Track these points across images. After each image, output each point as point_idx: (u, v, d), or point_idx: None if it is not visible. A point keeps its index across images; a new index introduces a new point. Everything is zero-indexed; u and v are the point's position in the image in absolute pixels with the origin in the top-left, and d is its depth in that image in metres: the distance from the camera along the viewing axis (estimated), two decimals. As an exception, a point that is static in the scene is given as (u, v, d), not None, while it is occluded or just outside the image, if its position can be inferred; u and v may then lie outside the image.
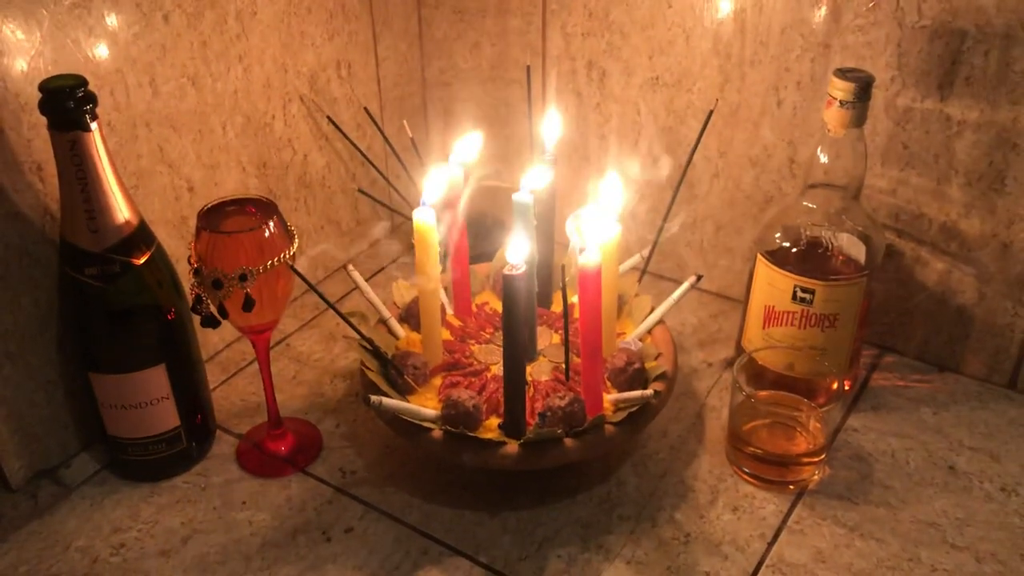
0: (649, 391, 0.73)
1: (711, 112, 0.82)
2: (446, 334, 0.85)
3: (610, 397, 0.77)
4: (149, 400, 0.76)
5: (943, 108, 0.81)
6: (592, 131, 1.02)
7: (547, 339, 0.85)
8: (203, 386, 0.82)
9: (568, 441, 0.72)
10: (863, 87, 0.75)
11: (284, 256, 0.72)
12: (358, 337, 0.78)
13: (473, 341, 0.85)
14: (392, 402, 0.72)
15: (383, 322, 0.85)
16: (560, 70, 1.00)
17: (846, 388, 0.88)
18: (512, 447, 0.72)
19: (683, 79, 0.93)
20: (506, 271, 0.67)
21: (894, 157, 0.86)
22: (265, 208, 0.73)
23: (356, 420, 0.87)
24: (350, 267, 0.84)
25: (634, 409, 0.74)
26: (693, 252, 1.02)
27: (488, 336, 0.86)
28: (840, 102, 0.75)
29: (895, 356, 0.94)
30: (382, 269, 1.10)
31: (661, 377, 0.78)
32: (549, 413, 0.73)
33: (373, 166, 1.02)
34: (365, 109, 1.00)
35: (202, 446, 0.83)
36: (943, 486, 0.79)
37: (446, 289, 0.89)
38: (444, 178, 0.78)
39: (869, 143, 0.85)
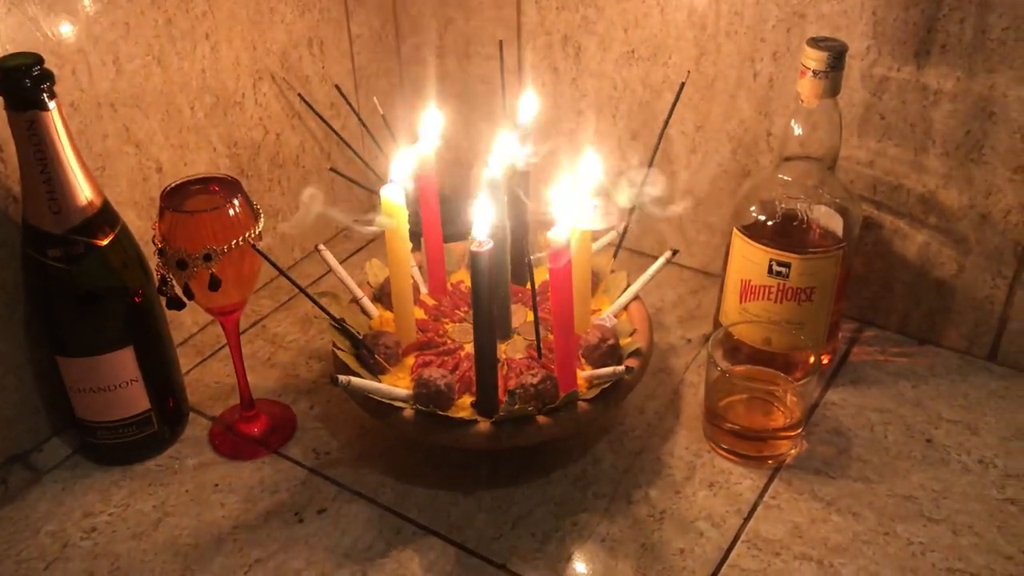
0: (621, 367, 0.73)
1: (682, 84, 0.81)
2: (420, 313, 0.84)
3: (584, 374, 0.76)
4: (117, 383, 0.75)
5: (919, 77, 0.80)
6: (569, 106, 1.00)
7: (522, 317, 0.85)
8: (174, 369, 0.81)
9: (541, 419, 0.72)
10: (836, 56, 0.74)
11: (249, 235, 0.71)
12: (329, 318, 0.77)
13: (447, 320, 0.84)
14: (361, 382, 0.72)
15: (356, 302, 0.84)
16: (535, 44, 0.99)
17: (824, 363, 0.88)
18: (484, 426, 0.71)
19: (658, 52, 0.92)
20: (473, 247, 0.66)
21: (871, 128, 0.85)
22: (229, 187, 0.72)
23: (331, 401, 0.86)
24: (322, 247, 0.83)
25: (607, 386, 0.74)
26: (672, 228, 1.01)
27: (462, 315, 0.85)
28: (813, 72, 0.74)
29: (876, 330, 0.93)
30: (360, 249, 1.09)
31: (635, 353, 0.78)
32: (520, 390, 0.72)
33: (347, 145, 1.00)
34: (336, 87, 0.99)
35: (174, 429, 0.82)
36: (921, 459, 0.78)
37: (420, 268, 0.88)
38: (413, 155, 0.77)
39: (846, 114, 0.84)
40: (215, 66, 0.87)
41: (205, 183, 0.73)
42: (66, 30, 0.73)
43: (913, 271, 0.89)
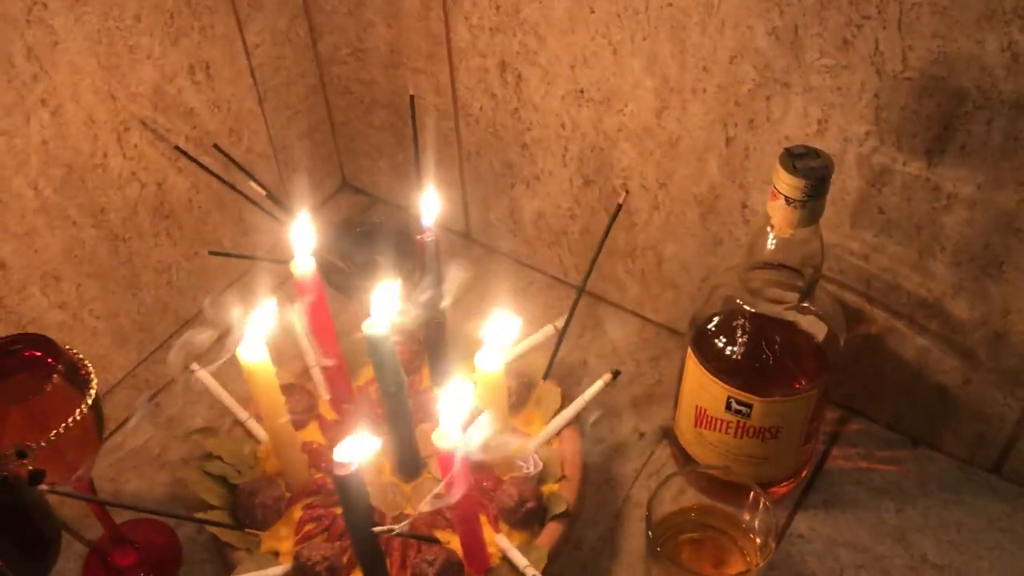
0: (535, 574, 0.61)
1: (619, 207, 0.64)
2: (316, 434, 0.72)
3: (499, 541, 0.65)
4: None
5: (930, 176, 0.63)
6: (512, 138, 0.83)
7: (437, 437, 0.72)
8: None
9: (440, 616, 0.61)
10: (817, 183, 0.57)
11: (76, 416, 0.58)
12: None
13: (348, 447, 0.72)
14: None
15: (240, 424, 0.72)
16: (469, 65, 0.81)
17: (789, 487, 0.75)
18: (370, 629, 0.61)
19: (612, 98, 0.74)
20: (336, 470, 0.53)
21: (867, 220, 0.68)
22: (48, 349, 0.59)
23: (223, 522, 0.75)
24: (195, 366, 0.71)
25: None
26: (634, 280, 0.86)
27: (366, 440, 0.72)
28: (786, 199, 0.58)
29: (863, 422, 0.80)
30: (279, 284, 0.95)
31: (563, 515, 0.66)
32: (417, 581, 0.61)
33: (245, 196, 0.83)
34: (215, 146, 0.81)
35: (45, 560, 0.72)
36: (894, 629, 0.67)
37: (321, 366, 0.75)
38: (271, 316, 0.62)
39: (838, 201, 0.67)
40: (60, 133, 0.71)
41: (13, 346, 0.59)
42: None
43: (910, 372, 0.74)
